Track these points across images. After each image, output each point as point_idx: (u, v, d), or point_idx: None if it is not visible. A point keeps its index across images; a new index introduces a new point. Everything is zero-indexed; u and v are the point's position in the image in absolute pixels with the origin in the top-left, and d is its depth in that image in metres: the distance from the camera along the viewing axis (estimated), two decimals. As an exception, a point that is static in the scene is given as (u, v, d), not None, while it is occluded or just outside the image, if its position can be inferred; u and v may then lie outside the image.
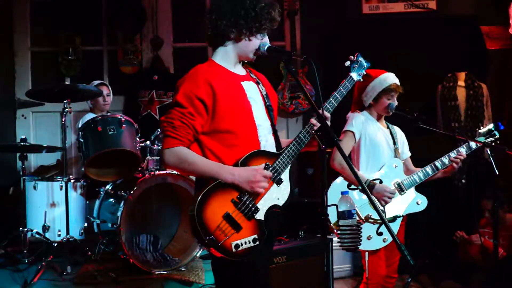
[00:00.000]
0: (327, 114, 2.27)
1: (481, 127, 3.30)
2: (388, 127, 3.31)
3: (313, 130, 2.23)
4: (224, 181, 2.10)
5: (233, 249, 2.07)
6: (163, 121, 2.18)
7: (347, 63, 2.49)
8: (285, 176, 2.22)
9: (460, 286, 4.23)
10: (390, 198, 3.07)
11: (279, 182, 2.21)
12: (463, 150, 3.16)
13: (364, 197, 3.09)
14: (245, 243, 2.09)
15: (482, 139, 3.23)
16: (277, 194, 2.21)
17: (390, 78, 3.18)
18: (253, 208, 2.13)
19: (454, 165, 3.15)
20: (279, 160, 2.21)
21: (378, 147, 3.19)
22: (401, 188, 3.15)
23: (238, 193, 2.12)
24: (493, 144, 3.22)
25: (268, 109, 2.31)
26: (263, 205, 2.16)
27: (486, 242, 4.05)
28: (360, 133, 3.19)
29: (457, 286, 4.26)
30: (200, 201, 2.05)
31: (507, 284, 3.55)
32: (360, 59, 2.50)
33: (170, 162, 2.15)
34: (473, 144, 3.19)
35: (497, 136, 3.24)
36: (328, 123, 2.21)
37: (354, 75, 2.48)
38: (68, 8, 5.74)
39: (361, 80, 2.58)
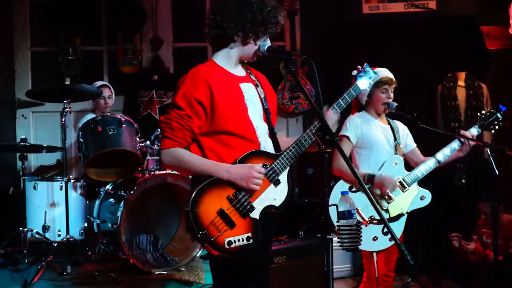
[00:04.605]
0: (334, 115, 2.28)
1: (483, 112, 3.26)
2: (389, 123, 3.30)
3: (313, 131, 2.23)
4: (221, 178, 2.11)
5: (226, 246, 2.07)
6: (162, 121, 2.19)
7: (354, 72, 2.49)
8: (283, 177, 2.22)
9: (460, 286, 4.23)
10: (393, 185, 3.05)
11: (276, 183, 2.21)
12: (475, 130, 3.15)
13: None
14: (238, 240, 2.10)
15: (483, 124, 3.20)
16: (274, 195, 2.20)
17: (381, 72, 3.15)
18: (248, 206, 2.13)
19: (463, 148, 3.14)
20: (278, 161, 2.21)
21: (377, 145, 3.17)
22: (402, 185, 3.13)
23: (234, 191, 2.13)
24: (497, 127, 3.20)
25: (266, 112, 2.31)
26: (259, 204, 2.16)
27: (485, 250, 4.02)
28: (356, 136, 3.17)
29: (457, 286, 4.26)
30: (195, 196, 2.07)
31: (507, 284, 3.55)
32: (368, 69, 2.50)
33: (167, 162, 2.18)
34: (475, 131, 3.17)
35: (500, 118, 3.21)
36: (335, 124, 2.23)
37: (360, 84, 2.48)
38: (68, 8, 5.73)
39: (367, 90, 2.58)
